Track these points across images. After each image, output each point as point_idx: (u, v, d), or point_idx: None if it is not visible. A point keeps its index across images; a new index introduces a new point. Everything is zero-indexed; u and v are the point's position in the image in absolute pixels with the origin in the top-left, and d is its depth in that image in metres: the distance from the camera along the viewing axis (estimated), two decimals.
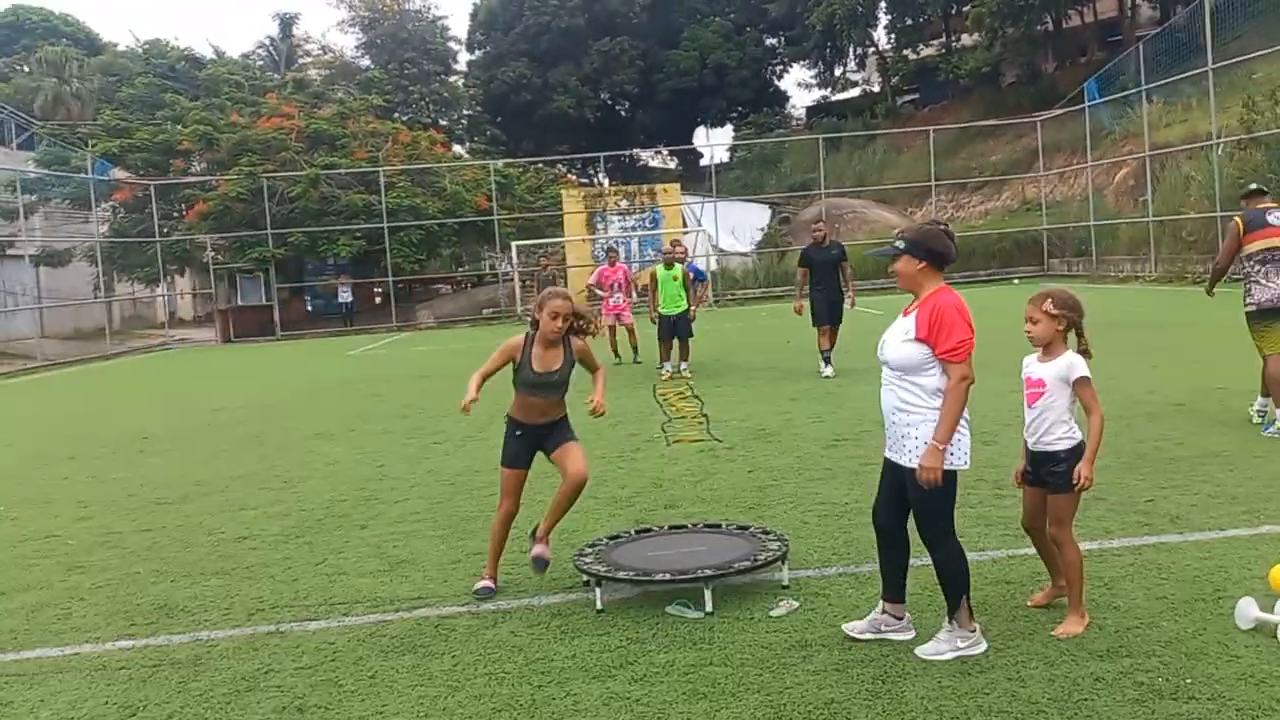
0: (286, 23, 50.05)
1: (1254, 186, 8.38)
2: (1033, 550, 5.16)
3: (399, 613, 5.00)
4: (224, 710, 3.98)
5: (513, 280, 31.43)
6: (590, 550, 5.18)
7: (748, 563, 4.79)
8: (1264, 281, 7.57)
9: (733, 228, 33.26)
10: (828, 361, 12.45)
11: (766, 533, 5.27)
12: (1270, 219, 7.64)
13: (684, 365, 13.62)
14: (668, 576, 4.72)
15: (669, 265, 13.72)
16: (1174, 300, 20.21)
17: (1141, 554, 5.08)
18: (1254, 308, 7.66)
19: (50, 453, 11.12)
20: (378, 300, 34.45)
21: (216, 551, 6.41)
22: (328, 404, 13.57)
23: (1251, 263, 7.63)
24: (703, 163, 50.72)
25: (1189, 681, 3.60)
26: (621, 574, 4.79)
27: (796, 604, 4.64)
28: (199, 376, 20.25)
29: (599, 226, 31.45)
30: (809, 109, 57.78)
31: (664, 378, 13.21)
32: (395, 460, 9.08)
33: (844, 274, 12.62)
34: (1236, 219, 7.85)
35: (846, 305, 12.76)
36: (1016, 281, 27.86)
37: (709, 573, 4.66)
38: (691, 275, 14.19)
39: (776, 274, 32.13)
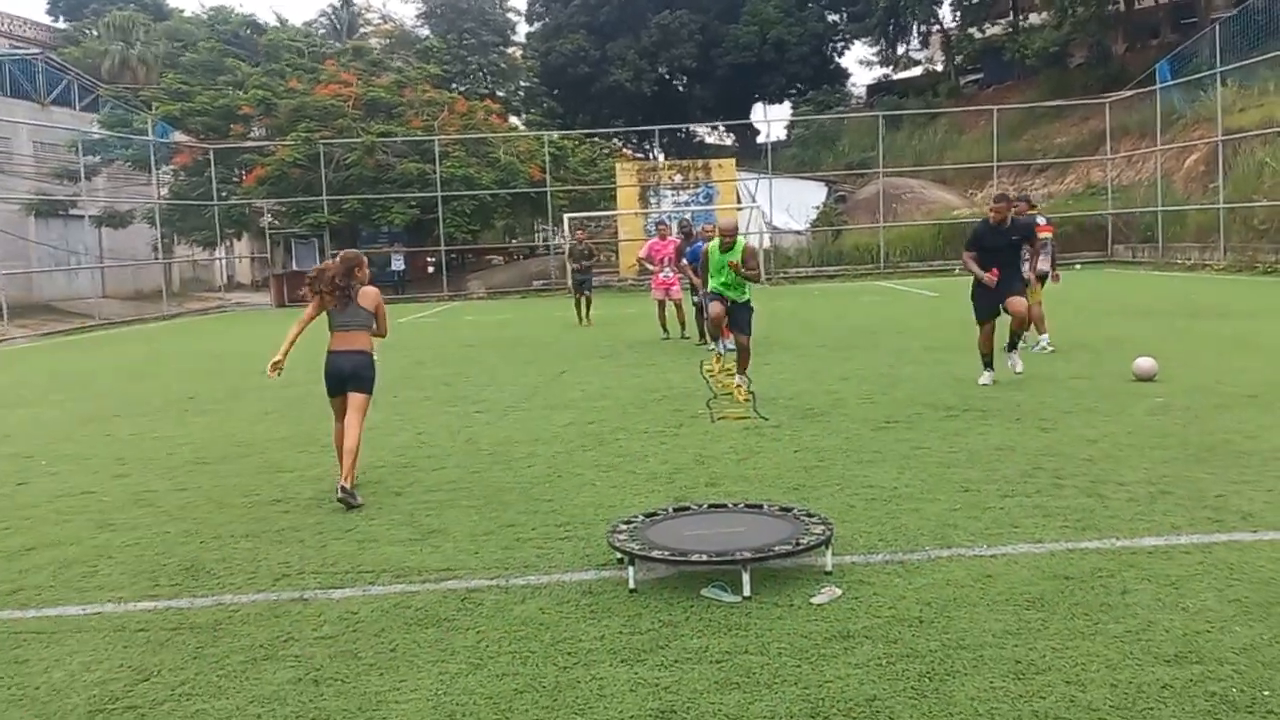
0: None
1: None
2: (1095, 544, 4.93)
3: (425, 584, 4.84)
4: (238, 679, 3.84)
5: (564, 252, 31.26)
6: (625, 527, 4.97)
7: (789, 546, 4.55)
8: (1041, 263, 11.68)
9: (788, 205, 32.78)
10: (990, 370, 9.77)
11: (810, 515, 5.02)
12: (1039, 221, 11.67)
13: (739, 378, 10.28)
14: (705, 557, 4.50)
15: (727, 248, 10.29)
16: (1244, 290, 19.51)
17: (1211, 552, 4.76)
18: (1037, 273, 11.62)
19: (96, 410, 11.16)
20: (430, 270, 34.50)
21: (249, 514, 6.31)
22: None
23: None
24: (759, 139, 50.09)
25: (1267, 694, 3.31)
26: (656, 553, 4.57)
27: (839, 592, 4.40)
28: (249, 339, 20.36)
29: (652, 201, 31.16)
30: (869, 87, 56.72)
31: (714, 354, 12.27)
32: (435, 428, 8.95)
33: (1032, 252, 10.90)
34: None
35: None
36: (1079, 267, 27.11)
37: (748, 555, 4.43)
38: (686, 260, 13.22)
39: (830, 253, 31.65)
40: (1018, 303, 9.53)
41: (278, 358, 6.62)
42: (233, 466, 7.76)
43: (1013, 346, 9.79)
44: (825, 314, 18.64)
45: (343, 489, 6.29)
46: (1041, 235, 11.48)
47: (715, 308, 9.97)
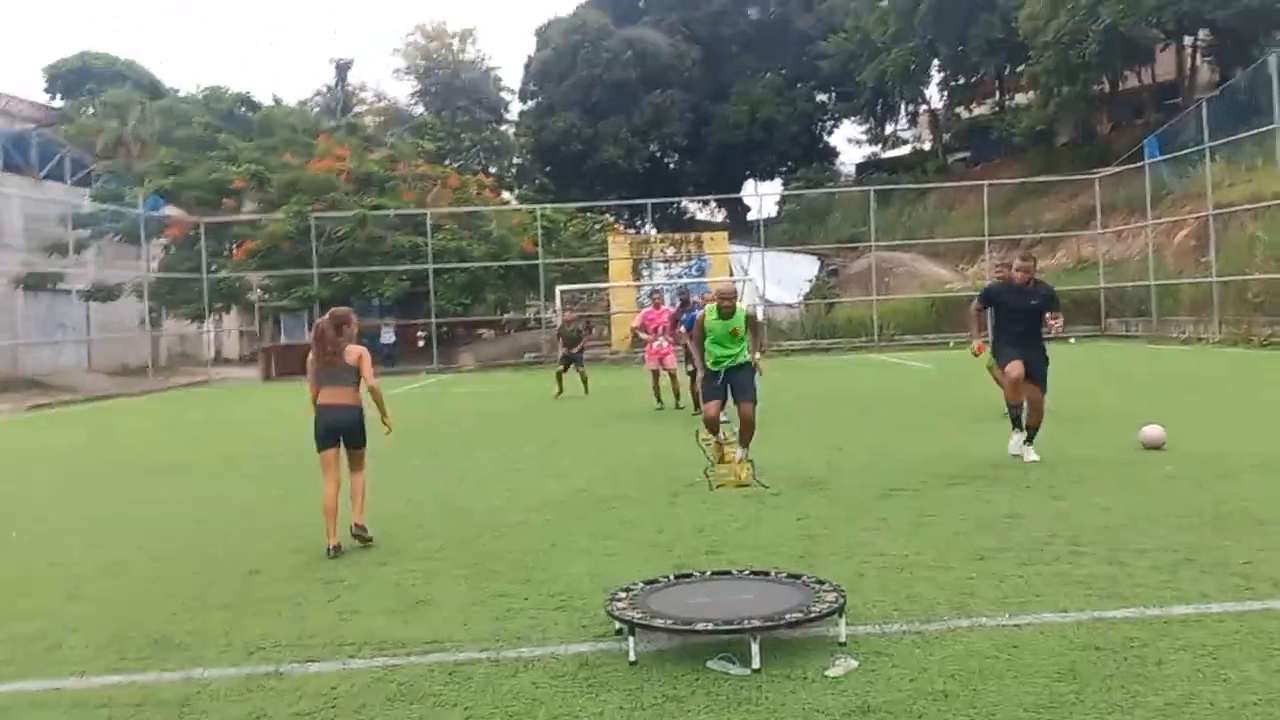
0: (342, 68, 50.70)
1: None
2: (1123, 613, 4.66)
3: (410, 656, 4.52)
4: None
5: (555, 328, 31.16)
6: (624, 595, 4.67)
7: (800, 614, 4.26)
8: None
9: (780, 278, 32.84)
10: (1020, 432, 8.97)
11: (821, 582, 4.73)
12: None
13: (741, 452, 8.84)
14: (710, 626, 4.20)
15: (727, 315, 8.87)
16: (1241, 362, 19.40)
17: (1247, 620, 4.49)
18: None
19: (74, 480, 10.84)
20: (420, 344, 34.27)
21: (225, 584, 5.99)
22: None
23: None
24: (750, 216, 50.48)
25: None
26: (658, 622, 4.28)
27: (855, 663, 4.10)
28: (235, 411, 20.05)
29: (645, 273, 31.17)
30: (859, 165, 57.39)
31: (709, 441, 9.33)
32: (423, 496, 8.66)
33: (1052, 323, 9.23)
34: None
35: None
36: (1074, 340, 27.04)
37: (756, 624, 4.14)
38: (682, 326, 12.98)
39: (824, 325, 31.60)
40: (1038, 396, 8.76)
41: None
42: (211, 536, 7.44)
43: (1029, 441, 8.89)
44: (820, 385, 18.44)
45: (356, 525, 6.76)
46: None
47: (711, 410, 8.98)
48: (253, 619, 5.23)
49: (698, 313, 10.40)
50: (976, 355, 9.89)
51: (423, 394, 22.06)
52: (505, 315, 35.69)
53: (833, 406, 14.44)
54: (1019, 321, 8.89)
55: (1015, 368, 8.73)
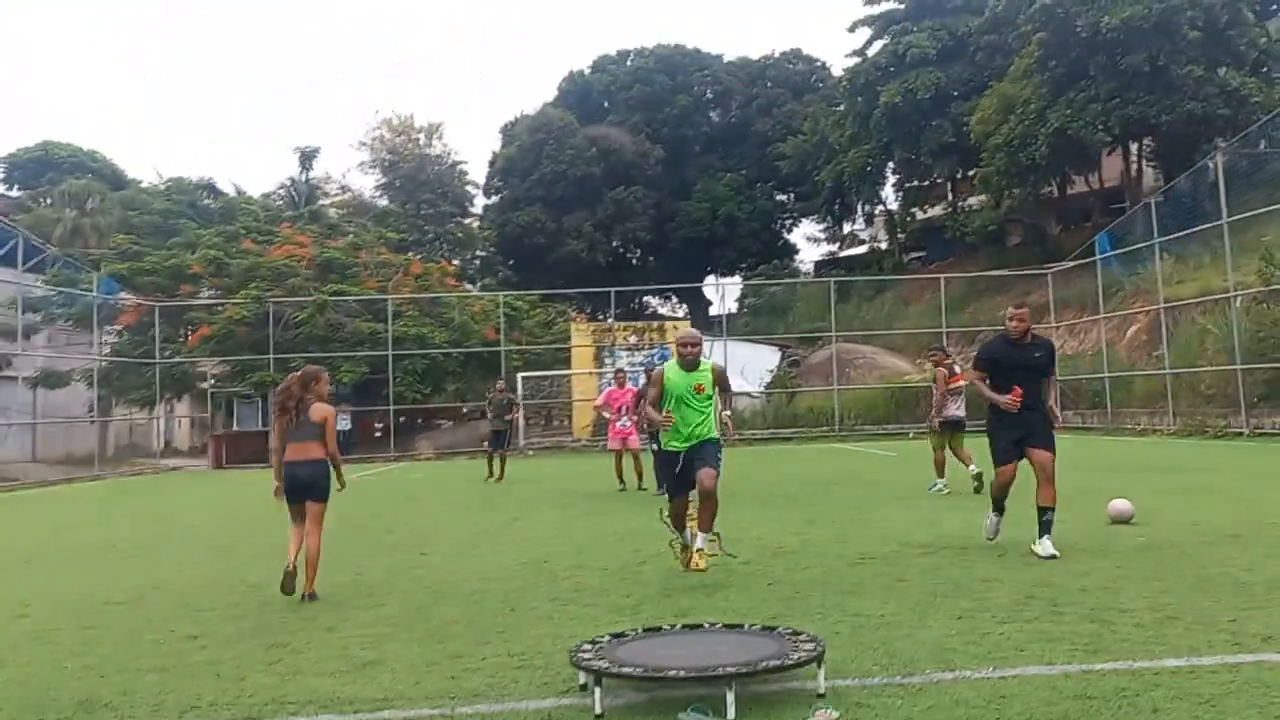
0: (307, 156, 50.77)
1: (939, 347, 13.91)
2: (1111, 665, 4.46)
3: (358, 714, 4.20)
4: None
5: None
6: (590, 647, 4.39)
7: (778, 661, 4.01)
8: (951, 409, 12.44)
9: (742, 368, 32.84)
10: (999, 514, 7.93)
11: (797, 633, 4.49)
12: (955, 369, 12.69)
13: (701, 537, 7.49)
14: (682, 674, 3.93)
15: (690, 366, 7.53)
16: (1196, 451, 19.48)
17: (1240, 672, 4.31)
18: (941, 420, 12.49)
19: (4, 560, 10.30)
20: (377, 434, 33.63)
21: (160, 649, 5.61)
22: None
23: (950, 395, 12.45)
24: (712, 311, 50.80)
25: None
26: (627, 670, 4.00)
27: (836, 715, 3.84)
28: (181, 495, 19.41)
29: (607, 361, 31.08)
30: (817, 263, 58.30)
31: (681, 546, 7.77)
32: (375, 569, 8.28)
33: (1048, 384, 7.73)
34: (942, 368, 12.67)
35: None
36: None
37: (733, 671, 3.88)
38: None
39: (785, 415, 31.54)
40: (1046, 459, 7.39)
41: (276, 484, 7.13)
42: (148, 607, 7.02)
43: (1045, 530, 7.42)
44: (786, 469, 18.23)
45: (310, 595, 6.83)
46: (955, 385, 12.51)
47: (678, 507, 7.56)
48: (188, 680, 4.88)
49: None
50: (1016, 406, 7.41)
51: (379, 480, 21.58)
52: (465, 407, 35.11)
53: (799, 487, 14.21)
54: (1018, 381, 7.45)
55: (1007, 472, 7.58)
